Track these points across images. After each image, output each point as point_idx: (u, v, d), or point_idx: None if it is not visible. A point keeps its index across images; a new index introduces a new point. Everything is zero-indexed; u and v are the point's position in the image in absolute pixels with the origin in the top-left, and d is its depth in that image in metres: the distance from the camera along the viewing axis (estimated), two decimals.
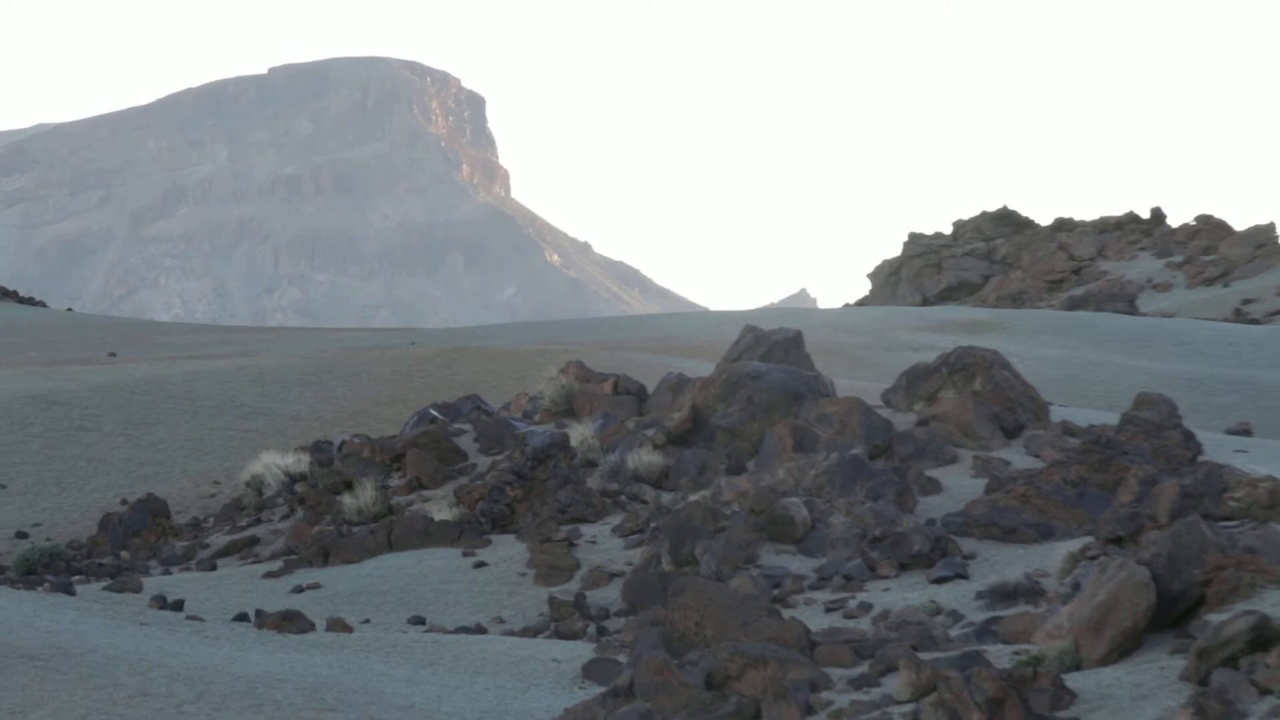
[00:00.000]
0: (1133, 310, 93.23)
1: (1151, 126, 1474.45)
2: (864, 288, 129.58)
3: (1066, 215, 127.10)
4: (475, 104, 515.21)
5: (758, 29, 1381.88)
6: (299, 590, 30.99)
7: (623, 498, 34.69)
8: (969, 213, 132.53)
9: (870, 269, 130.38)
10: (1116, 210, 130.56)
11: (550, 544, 31.76)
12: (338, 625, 27.95)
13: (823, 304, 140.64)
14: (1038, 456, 34.29)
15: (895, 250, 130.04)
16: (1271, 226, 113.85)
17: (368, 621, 28.74)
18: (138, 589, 31.64)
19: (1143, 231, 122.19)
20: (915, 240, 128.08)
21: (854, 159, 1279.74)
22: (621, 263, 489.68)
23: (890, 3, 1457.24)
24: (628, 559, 31.03)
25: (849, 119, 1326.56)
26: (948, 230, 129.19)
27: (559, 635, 27.48)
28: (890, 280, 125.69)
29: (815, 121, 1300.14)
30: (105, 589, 32.13)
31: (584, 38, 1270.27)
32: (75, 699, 22.63)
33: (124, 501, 38.93)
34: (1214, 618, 17.74)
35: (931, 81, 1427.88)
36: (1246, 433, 41.68)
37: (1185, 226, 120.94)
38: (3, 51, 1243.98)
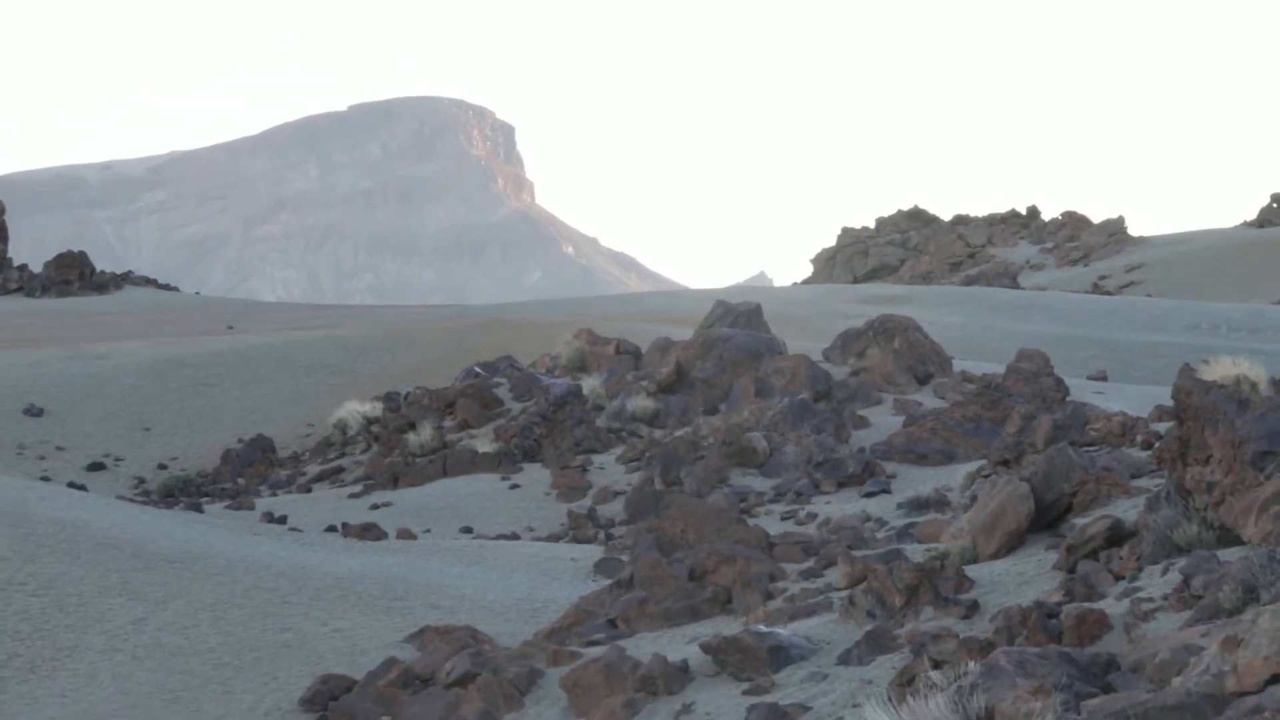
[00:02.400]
0: (1015, 285, 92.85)
1: (1028, 139, 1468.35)
2: (808, 270, 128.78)
3: (963, 212, 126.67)
4: (507, 131, 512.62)
5: (735, 61, 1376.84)
6: (375, 508, 31.33)
7: (624, 434, 35.03)
8: (888, 210, 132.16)
9: (812, 255, 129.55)
10: (1002, 207, 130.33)
11: (568, 470, 32.21)
12: (404, 534, 28.69)
13: (777, 283, 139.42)
14: (943, 399, 34.66)
15: (832, 240, 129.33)
16: (1121, 219, 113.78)
17: (428, 531, 29.20)
18: (251, 508, 32.00)
19: (1022, 224, 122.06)
20: (847, 233, 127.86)
21: (801, 167, 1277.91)
22: (622, 253, 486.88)
23: (806, 37, 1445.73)
24: (628, 481, 31.36)
25: (800, 135, 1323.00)
26: (872, 224, 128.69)
27: (576, 540, 27.96)
28: (828, 264, 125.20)
29: (773, 136, 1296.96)
30: (226, 508, 32.33)
31: (591, 82, 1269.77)
32: (204, 592, 23.04)
33: (240, 440, 39.01)
34: (1079, 521, 18.20)
35: (856, 104, 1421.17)
36: (1103, 379, 41.76)
37: (1054, 220, 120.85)
38: (144, 93, 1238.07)
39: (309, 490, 35.46)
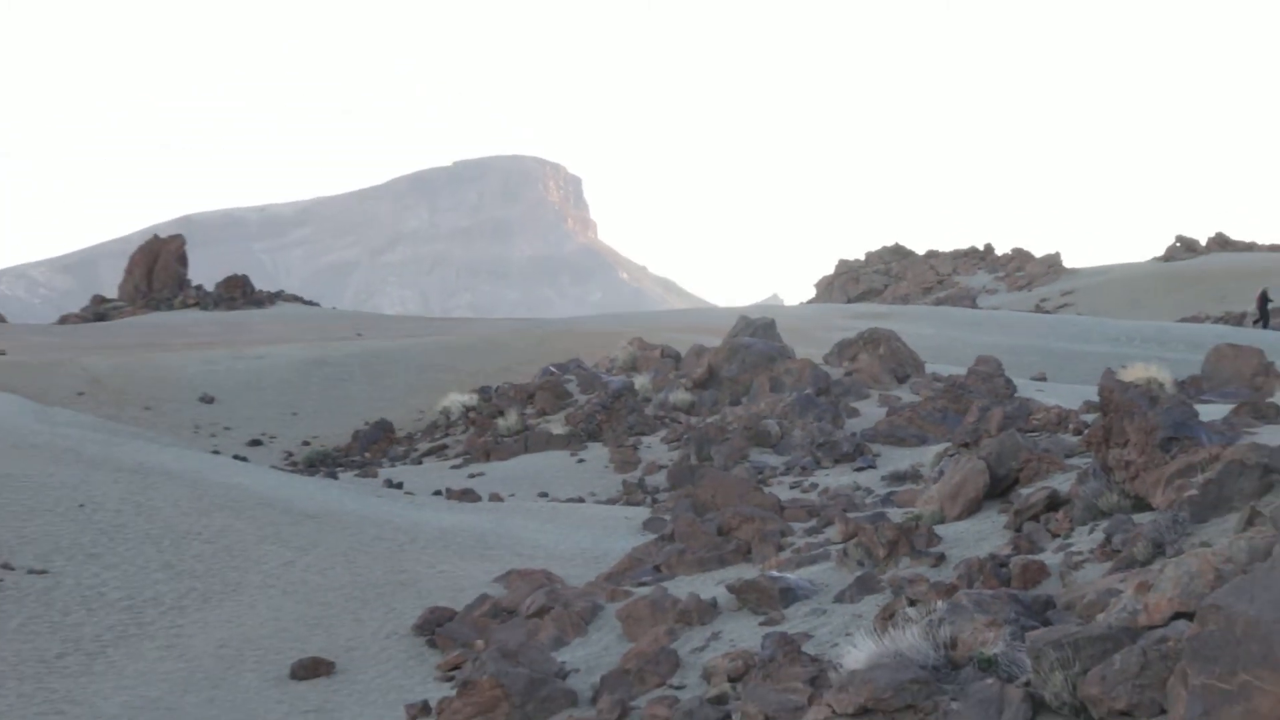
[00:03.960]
0: (974, 306, 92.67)
1: (987, 189, 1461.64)
2: (811, 292, 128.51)
3: (934, 247, 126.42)
4: (575, 182, 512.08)
5: (750, 128, 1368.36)
6: (471, 476, 31.46)
7: (667, 420, 35.14)
8: (875, 245, 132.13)
9: (815, 281, 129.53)
10: (965, 244, 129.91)
11: (622, 448, 32.23)
12: (494, 497, 28.82)
13: (787, 303, 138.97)
14: (917, 394, 34.53)
15: (831, 269, 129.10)
16: (1058, 254, 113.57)
17: (512, 495, 29.24)
18: (374, 476, 32.11)
19: (980, 258, 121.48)
20: (842, 264, 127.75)
21: (808, 211, 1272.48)
22: (665, 278, 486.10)
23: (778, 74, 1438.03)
24: (670, 457, 31.42)
25: (808, 186, 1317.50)
26: (862, 257, 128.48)
27: (628, 503, 28.05)
28: (827, 288, 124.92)
29: (786, 186, 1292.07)
30: (355, 476, 32.45)
31: (643, 144, 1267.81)
32: (338, 540, 23.10)
33: (366, 423, 39.19)
34: (1024, 491, 18.16)
35: (852, 162, 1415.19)
36: (1043, 379, 41.62)
37: (1005, 254, 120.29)
38: (292, 149, 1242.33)
39: (420, 463, 35.52)
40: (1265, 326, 70.13)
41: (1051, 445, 20.38)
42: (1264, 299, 72.86)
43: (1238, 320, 78.74)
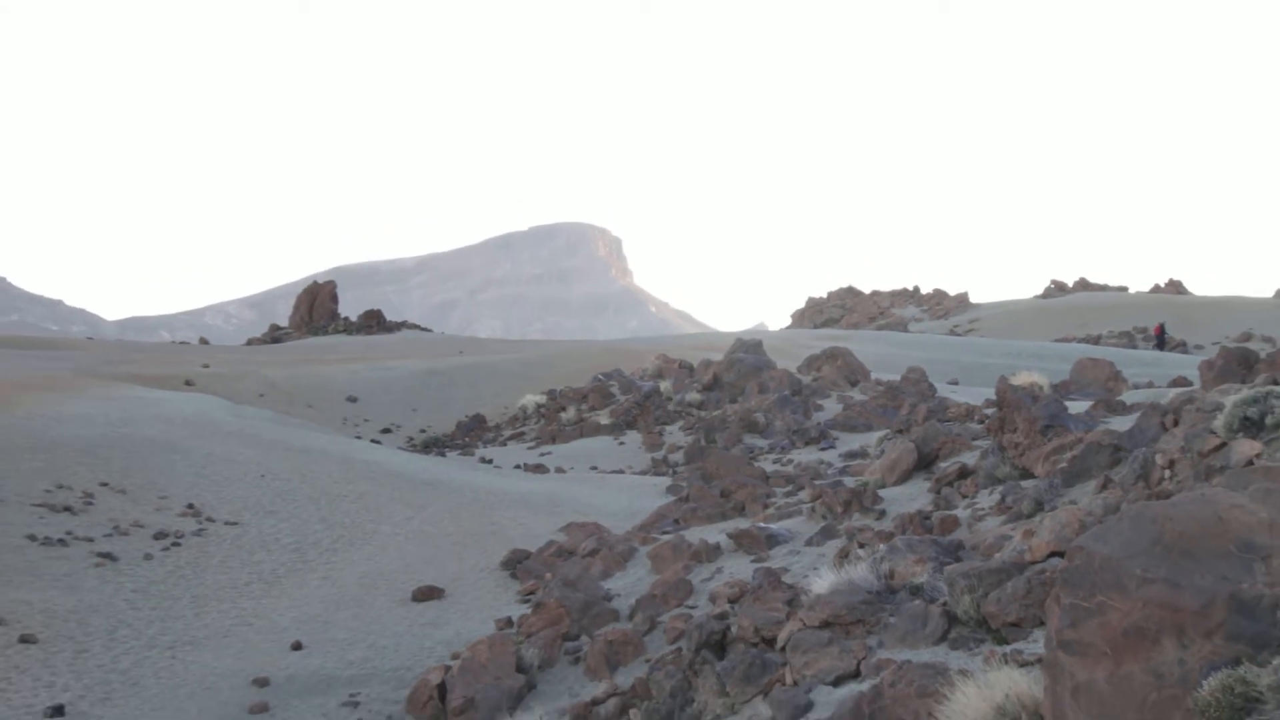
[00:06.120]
0: (906, 330, 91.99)
1: (914, 242, 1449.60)
2: (789, 320, 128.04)
3: (877, 288, 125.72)
4: (617, 242, 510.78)
5: (745, 182, 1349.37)
6: (542, 455, 31.49)
7: (683, 414, 34.98)
8: (835, 286, 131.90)
9: (791, 312, 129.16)
10: (899, 284, 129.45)
11: (651, 434, 32.13)
12: (558, 470, 28.91)
13: (771, 328, 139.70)
14: (865, 395, 34.03)
15: (802, 304, 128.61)
16: (966, 293, 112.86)
17: (572, 468, 29.25)
18: (472, 454, 32.14)
19: (910, 295, 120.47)
20: (810, 300, 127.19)
21: (786, 259, 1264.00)
22: (682, 310, 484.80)
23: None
24: (686, 441, 31.39)
25: (789, 238, 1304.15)
26: (825, 295, 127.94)
27: (655, 474, 28.09)
28: (800, 317, 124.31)
29: (771, 238, 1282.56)
30: (458, 454, 32.40)
31: (667, 213, 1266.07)
32: (445, 501, 23.10)
33: (466, 416, 39.16)
34: (942, 464, 18.15)
35: (818, 220, 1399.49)
36: (956, 384, 41.24)
37: (928, 293, 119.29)
38: (412, 213, 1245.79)
39: (505, 445, 35.51)
40: (1162, 350, 68.16)
41: (962, 431, 20.38)
42: (1162, 330, 71.34)
43: (1095, 341, 78.28)
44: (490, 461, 30.32)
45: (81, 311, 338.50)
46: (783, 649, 10.57)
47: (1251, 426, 10.97)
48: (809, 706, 8.72)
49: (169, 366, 43.57)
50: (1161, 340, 70.28)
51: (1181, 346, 72.81)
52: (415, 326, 78.83)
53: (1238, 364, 14.87)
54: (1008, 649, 8.28)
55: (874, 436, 26.61)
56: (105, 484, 21.40)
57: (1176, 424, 13.07)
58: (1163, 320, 77.48)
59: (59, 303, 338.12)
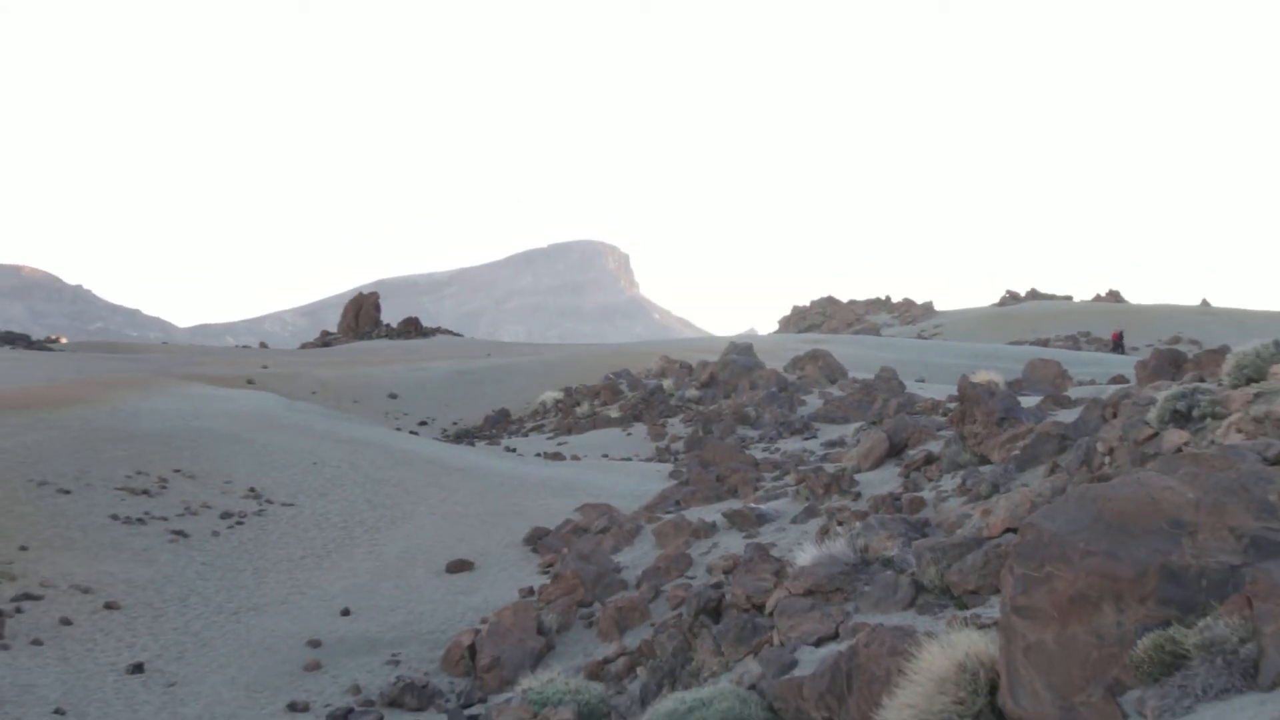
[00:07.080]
0: (879, 335, 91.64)
1: (886, 257, 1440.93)
2: (776, 326, 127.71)
3: (854, 297, 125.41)
4: (625, 257, 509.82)
5: (740, 202, 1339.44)
6: (559, 444, 31.33)
7: (683, 408, 34.73)
8: (816, 295, 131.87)
9: (778, 319, 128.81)
10: (872, 294, 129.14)
11: (656, 426, 32.03)
12: (574, 457, 28.89)
13: (760, 333, 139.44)
14: (844, 392, 33.97)
15: (789, 311, 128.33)
16: (931, 302, 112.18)
17: (586, 456, 29.25)
18: (498, 444, 32.11)
19: (883, 304, 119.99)
20: (795, 308, 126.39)
21: (774, 272, 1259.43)
22: (683, 317, 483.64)
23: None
24: (686, 432, 31.22)
25: (781, 252, 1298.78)
26: (808, 303, 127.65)
27: (659, 461, 27.99)
28: (786, 323, 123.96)
29: (766, 251, 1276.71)
30: (485, 444, 32.35)
31: (668, 230, 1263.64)
32: (473, 484, 23.11)
33: (493, 411, 39.09)
34: (911, 452, 18.03)
35: (805, 237, 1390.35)
36: (923, 381, 41.11)
37: (898, 301, 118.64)
38: (443, 230, 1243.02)
39: (527, 435, 35.41)
40: (1122, 354, 66.06)
41: (928, 423, 20.51)
42: (1119, 337, 70.37)
43: (1045, 343, 77.99)
44: (514, 450, 30.25)
45: (157, 319, 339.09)
46: (771, 614, 10.57)
47: (1180, 418, 10.99)
48: (794, 664, 8.74)
49: (233, 368, 43.66)
50: (1120, 346, 69.85)
51: (1132, 350, 72.42)
52: (448, 332, 78.85)
53: (1168, 364, 14.88)
54: (968, 613, 8.27)
55: (851, 428, 26.60)
56: (178, 470, 21.47)
57: (1115, 416, 13.08)
58: (1120, 329, 76.89)
59: (137, 312, 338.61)
